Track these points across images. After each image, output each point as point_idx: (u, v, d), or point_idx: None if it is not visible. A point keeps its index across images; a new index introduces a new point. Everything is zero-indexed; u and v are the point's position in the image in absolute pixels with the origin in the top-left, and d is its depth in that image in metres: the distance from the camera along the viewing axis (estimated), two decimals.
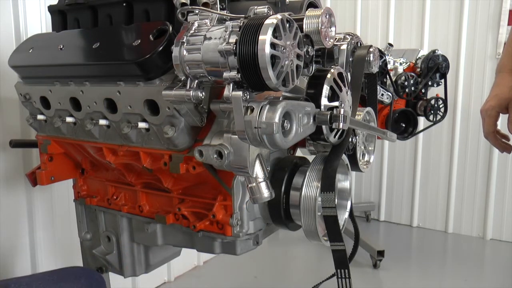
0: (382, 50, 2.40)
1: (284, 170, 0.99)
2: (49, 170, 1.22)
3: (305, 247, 2.88)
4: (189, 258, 2.60)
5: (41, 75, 1.09)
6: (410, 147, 3.32)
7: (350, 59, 1.11)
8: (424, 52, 2.58)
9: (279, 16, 0.72)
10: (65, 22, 1.13)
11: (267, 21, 0.70)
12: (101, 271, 1.29)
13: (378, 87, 2.16)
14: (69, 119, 1.09)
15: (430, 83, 2.48)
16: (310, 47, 0.82)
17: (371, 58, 1.13)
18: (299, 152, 1.20)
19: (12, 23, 1.64)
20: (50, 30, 1.17)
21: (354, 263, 2.72)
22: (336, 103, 0.92)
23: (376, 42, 3.33)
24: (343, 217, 1.05)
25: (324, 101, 0.90)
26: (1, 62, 1.58)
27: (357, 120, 1.03)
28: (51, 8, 1.15)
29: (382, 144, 3.43)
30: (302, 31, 0.81)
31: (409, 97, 2.39)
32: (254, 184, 0.84)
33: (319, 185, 0.91)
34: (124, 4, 0.99)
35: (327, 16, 0.86)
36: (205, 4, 0.84)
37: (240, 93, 0.73)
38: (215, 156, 0.84)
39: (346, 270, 0.89)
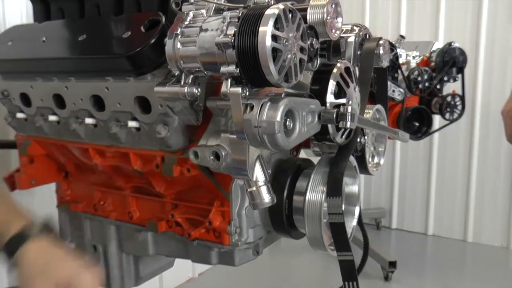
0: (393, 42, 2.41)
1: (286, 173, 1.00)
2: (29, 173, 1.23)
3: (309, 257, 2.89)
4: (183, 270, 2.61)
5: (21, 69, 1.10)
6: (424, 148, 3.33)
7: (358, 53, 1.12)
8: (439, 44, 2.59)
9: (281, 6, 0.72)
10: (48, 12, 1.14)
11: (268, 11, 0.71)
12: None
13: (388, 83, 2.18)
14: (52, 118, 1.10)
15: (445, 78, 2.49)
16: (314, 39, 0.83)
17: (381, 52, 1.14)
18: (302, 154, 1.21)
19: None
20: (31, 21, 1.18)
21: (363, 275, 2.73)
22: (343, 100, 0.93)
23: (386, 34, 3.34)
24: (351, 224, 1.06)
25: (330, 98, 0.91)
26: None
27: (366, 119, 1.04)
28: None
29: (394, 145, 3.44)
30: (306, 22, 0.82)
31: (422, 94, 2.40)
32: (254, 188, 0.85)
33: (324, 189, 0.92)
34: None
35: (333, 6, 0.87)
36: None
37: (238, 89, 0.74)
38: (212, 157, 0.85)
39: (355, 283, 0.89)
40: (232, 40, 0.71)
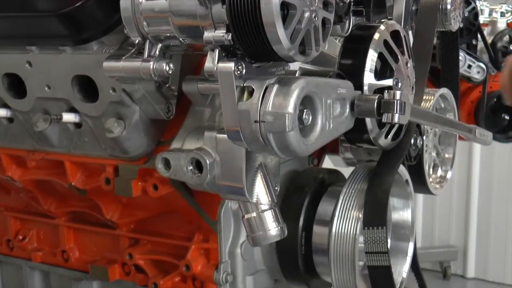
0: None
1: (303, 192, 1.02)
2: None
3: None
4: None
5: None
6: None
7: (413, 8, 1.14)
8: None
9: None
10: None
11: None
12: None
13: (461, 54, 2.19)
14: None
15: None
16: None
17: (449, 6, 1.17)
18: (327, 163, 1.24)
19: None
20: None
21: None
22: (388, 82, 0.95)
23: None
24: (402, 269, 1.08)
25: (369, 78, 0.93)
26: None
27: (424, 110, 1.06)
28: None
29: (470, 149, 3.46)
30: None
31: None
32: (254, 214, 0.87)
33: (361, 216, 0.95)
34: None
35: None
36: None
37: (231, 65, 0.75)
38: (191, 168, 0.87)
39: None
40: None
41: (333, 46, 1.01)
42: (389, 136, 0.99)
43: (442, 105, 1.16)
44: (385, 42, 0.95)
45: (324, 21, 0.81)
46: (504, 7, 2.50)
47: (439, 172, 1.22)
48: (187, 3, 0.77)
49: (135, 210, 1.07)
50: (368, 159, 1.04)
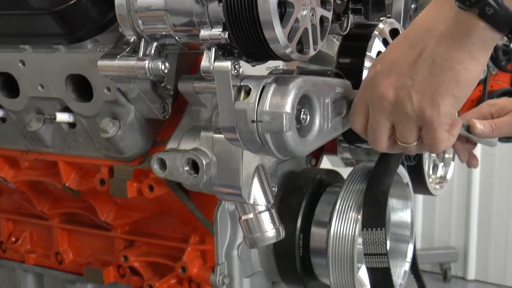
0: None
1: (301, 193, 1.03)
2: None
3: None
4: None
5: None
6: None
7: (413, 6, 1.15)
8: None
9: None
10: None
11: None
12: None
13: None
14: None
15: None
16: None
17: None
18: (325, 163, 1.24)
19: None
20: None
21: None
22: None
23: None
24: (401, 270, 1.09)
25: None
26: None
27: None
28: None
29: None
30: None
31: None
32: (252, 215, 0.87)
33: (359, 217, 0.95)
34: None
35: None
36: None
37: (227, 63, 0.76)
38: (187, 168, 0.88)
39: None
40: None
41: (331, 45, 1.02)
42: None
43: None
44: (384, 41, 0.96)
45: (322, 20, 0.82)
46: None
47: (439, 172, 1.23)
48: (183, 1, 0.77)
49: (130, 211, 1.07)
50: (367, 159, 1.04)
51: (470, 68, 0.72)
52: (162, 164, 0.90)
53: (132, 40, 0.84)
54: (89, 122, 0.98)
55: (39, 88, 0.99)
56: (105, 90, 0.93)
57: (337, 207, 0.97)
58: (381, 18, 1.01)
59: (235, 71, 0.76)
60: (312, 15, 0.79)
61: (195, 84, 0.87)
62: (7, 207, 1.25)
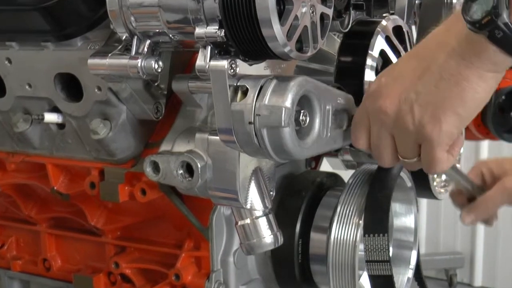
0: None
1: (300, 196, 1.03)
2: None
3: None
4: None
5: None
6: None
7: (417, 2, 1.15)
8: None
9: None
10: None
11: None
12: None
13: None
14: None
15: None
16: None
17: (455, 0, 1.17)
18: (325, 165, 1.24)
19: None
20: None
21: None
22: None
23: None
24: (404, 278, 1.09)
25: (370, 76, 0.93)
26: None
27: None
28: None
29: (477, 150, 3.47)
30: None
31: None
32: (248, 220, 0.87)
33: (361, 222, 0.95)
34: None
35: None
36: None
37: (224, 62, 0.76)
38: (181, 172, 0.88)
39: None
40: None
41: (332, 43, 1.02)
42: None
43: None
44: (387, 39, 0.96)
45: (323, 17, 0.82)
46: None
47: (444, 175, 1.22)
48: None
49: (121, 216, 1.07)
50: (369, 162, 1.04)
51: (477, 88, 0.72)
52: (155, 167, 0.90)
53: (124, 37, 0.84)
54: (79, 123, 0.98)
55: (27, 87, 0.99)
56: (96, 90, 0.92)
57: (337, 211, 0.97)
58: (384, 15, 1.01)
59: (232, 70, 0.77)
60: (312, 12, 0.79)
61: (190, 84, 0.87)
62: None
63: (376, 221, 0.93)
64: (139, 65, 0.82)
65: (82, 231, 1.13)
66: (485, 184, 1.25)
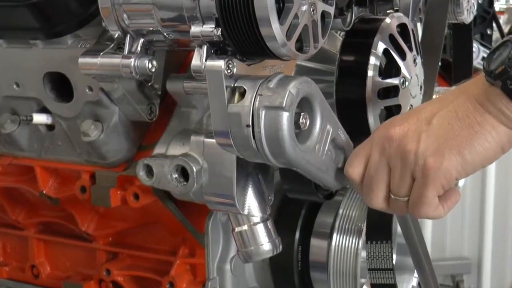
0: None
1: (299, 202, 1.03)
2: None
3: None
4: None
5: None
6: None
7: None
8: None
9: None
10: None
11: None
12: None
13: (475, 46, 2.20)
14: None
15: None
16: None
17: None
18: None
19: None
20: None
21: None
22: (395, 81, 0.95)
23: None
24: (408, 286, 1.09)
25: (373, 76, 0.93)
26: None
27: None
28: None
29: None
30: None
31: None
32: (246, 227, 0.87)
33: (363, 228, 0.95)
34: None
35: None
36: None
37: (220, 62, 0.76)
38: (175, 176, 0.87)
39: None
40: None
41: (333, 41, 1.01)
42: None
43: None
44: (391, 37, 0.95)
45: (324, 15, 0.82)
46: None
47: None
48: None
49: (113, 221, 1.07)
50: None
51: (488, 136, 0.73)
52: (149, 170, 0.90)
53: (116, 35, 0.84)
54: (69, 124, 0.98)
55: (14, 86, 0.99)
56: (87, 90, 0.92)
57: (339, 217, 0.97)
58: (388, 12, 1.01)
59: (229, 70, 0.76)
60: (313, 10, 0.79)
61: (185, 84, 0.87)
62: None
63: (379, 227, 0.93)
64: (132, 64, 0.82)
65: (72, 237, 1.13)
66: None
